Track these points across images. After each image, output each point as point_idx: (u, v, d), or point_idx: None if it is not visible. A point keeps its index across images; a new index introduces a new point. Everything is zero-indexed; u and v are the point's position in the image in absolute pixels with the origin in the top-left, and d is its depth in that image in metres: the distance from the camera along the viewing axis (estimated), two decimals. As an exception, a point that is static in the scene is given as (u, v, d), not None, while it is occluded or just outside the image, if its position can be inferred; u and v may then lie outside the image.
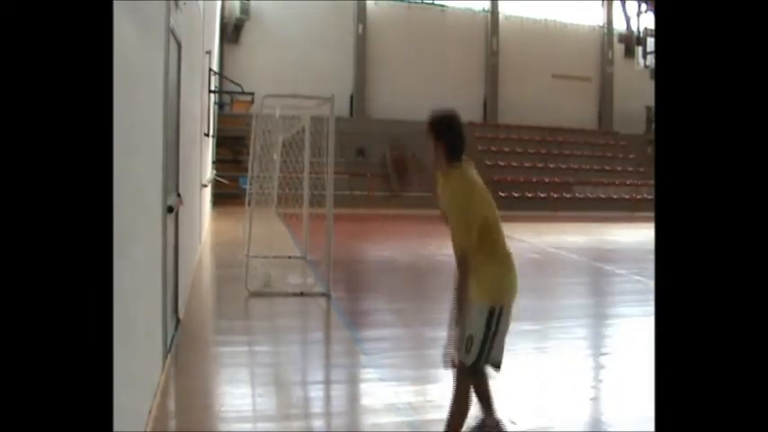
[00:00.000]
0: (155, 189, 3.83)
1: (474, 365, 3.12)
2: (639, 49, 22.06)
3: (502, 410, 3.95)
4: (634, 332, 6.15)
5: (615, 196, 23.48)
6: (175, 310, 5.31)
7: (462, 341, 3.09)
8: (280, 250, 9.06)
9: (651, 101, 22.20)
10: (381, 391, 4.36)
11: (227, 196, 16.36)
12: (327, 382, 4.73)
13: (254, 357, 5.34)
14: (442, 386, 4.60)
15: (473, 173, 3.19)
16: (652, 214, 1.64)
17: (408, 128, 23.17)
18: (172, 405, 4.10)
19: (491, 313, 3.06)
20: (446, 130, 3.16)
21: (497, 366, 3.23)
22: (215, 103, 14.34)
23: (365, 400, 4.36)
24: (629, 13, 23.59)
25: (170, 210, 4.40)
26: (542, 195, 22.65)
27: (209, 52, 11.19)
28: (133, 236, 2.97)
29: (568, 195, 23.07)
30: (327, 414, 4.16)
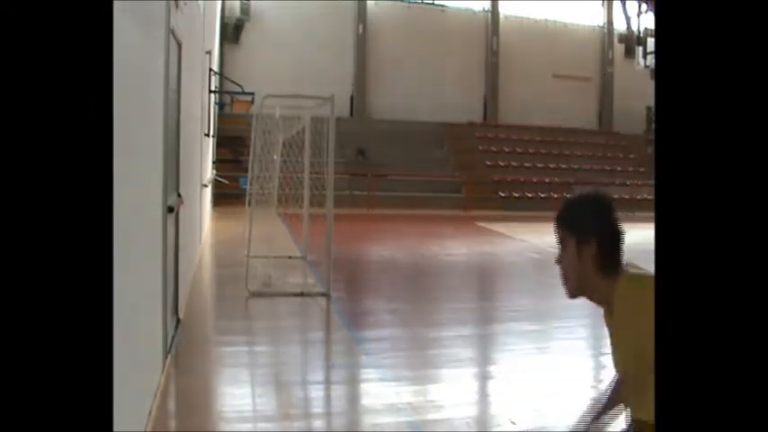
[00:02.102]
0: (155, 189, 3.83)
1: None
2: (639, 49, 22.06)
3: (502, 410, 3.96)
4: (634, 332, 6.14)
5: (615, 196, 23.23)
6: (175, 310, 5.31)
7: None
8: (280, 250, 9.07)
9: (651, 101, 22.19)
10: (381, 391, 4.36)
11: (227, 196, 16.36)
12: (327, 382, 4.73)
13: (254, 357, 5.34)
14: (443, 386, 4.62)
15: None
16: (652, 214, 1.63)
17: (408, 128, 23.39)
18: (172, 405, 4.10)
19: None
20: (596, 221, 1.87)
21: None
22: (215, 103, 14.33)
23: (365, 400, 4.36)
24: (629, 13, 23.59)
25: (170, 210, 4.40)
26: (542, 195, 22.64)
27: (209, 52, 11.19)
28: (133, 236, 2.97)
29: (568, 195, 23.06)
30: (327, 414, 4.16)
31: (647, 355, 1.56)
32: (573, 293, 1.91)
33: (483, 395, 4.59)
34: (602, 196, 1.94)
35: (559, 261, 1.89)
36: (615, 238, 1.86)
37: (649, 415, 1.61)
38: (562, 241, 1.88)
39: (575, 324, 6.57)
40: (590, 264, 1.82)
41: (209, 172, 12.54)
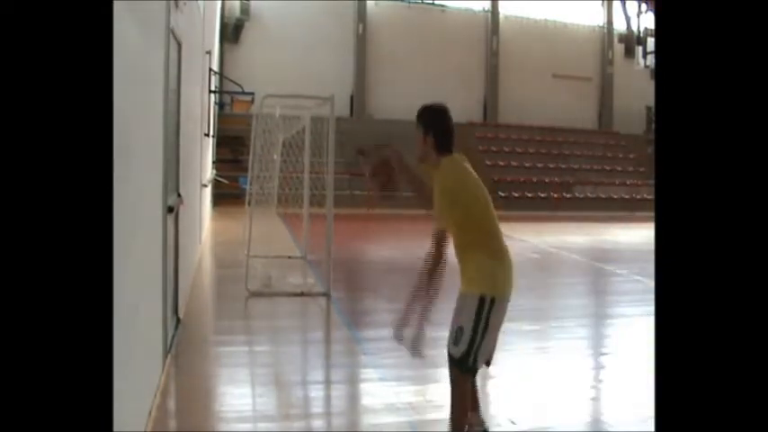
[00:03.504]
0: (155, 189, 3.83)
1: (463, 360, 3.03)
2: (639, 49, 22.07)
3: (502, 410, 3.95)
4: (634, 332, 6.15)
5: (615, 196, 23.48)
6: (175, 310, 5.31)
7: (451, 333, 3.05)
8: (280, 250, 9.06)
9: (651, 101, 22.20)
10: (381, 391, 4.36)
11: (227, 196, 16.36)
12: (327, 382, 4.73)
13: (254, 357, 5.34)
14: (443, 386, 4.61)
15: (467, 165, 3.21)
16: (652, 214, 1.64)
17: (408, 128, 23.33)
18: (172, 405, 4.10)
19: (481, 304, 2.99)
20: (433, 120, 3.18)
21: (488, 363, 3.18)
22: (215, 103, 14.34)
23: (365, 400, 4.36)
24: (629, 13, 23.61)
25: (170, 210, 4.40)
26: (542, 195, 22.65)
27: (209, 52, 11.19)
28: (133, 236, 2.97)
29: (568, 195, 23.08)
30: (327, 414, 4.16)
31: (443, 194, 3.02)
32: (419, 159, 3.20)
33: (483, 395, 4.58)
34: (441, 107, 3.26)
35: (416, 143, 3.17)
36: (446, 132, 3.19)
37: (442, 223, 2.97)
38: (418, 132, 3.16)
39: (574, 324, 6.57)
40: (429, 143, 3.14)
41: (209, 172, 12.54)
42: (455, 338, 3.03)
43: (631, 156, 25.97)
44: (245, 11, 22.91)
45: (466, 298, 3.05)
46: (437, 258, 2.96)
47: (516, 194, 22.24)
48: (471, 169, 3.22)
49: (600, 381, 4.94)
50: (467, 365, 3.05)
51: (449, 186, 3.04)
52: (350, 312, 6.79)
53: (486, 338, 3.01)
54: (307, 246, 9.37)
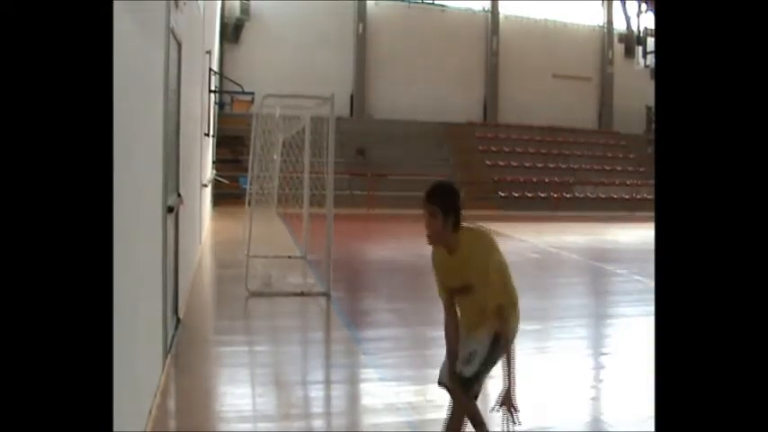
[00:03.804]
0: (155, 189, 3.83)
1: (470, 380, 3.16)
2: (639, 49, 22.06)
3: (502, 410, 3.94)
4: (634, 332, 6.15)
5: (615, 196, 23.47)
6: (175, 310, 5.31)
7: (464, 354, 3.16)
8: (280, 250, 9.07)
9: (651, 101, 22.19)
10: (381, 391, 4.36)
11: (227, 196, 16.35)
12: (327, 382, 4.73)
13: (254, 357, 5.34)
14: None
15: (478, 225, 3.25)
16: (652, 214, 1.64)
17: (408, 128, 23.38)
18: (172, 405, 4.10)
19: (497, 339, 3.10)
20: (452, 202, 3.08)
21: (476, 396, 3.31)
22: (215, 103, 14.34)
23: (365, 400, 4.36)
24: (629, 13, 23.59)
25: (170, 210, 4.40)
26: (542, 195, 22.63)
27: (209, 52, 11.19)
28: (133, 236, 2.97)
29: (568, 195, 23.07)
30: (327, 414, 4.16)
31: (489, 268, 3.01)
32: (433, 242, 3.14)
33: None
34: (453, 185, 3.21)
35: (429, 225, 3.06)
36: (459, 211, 3.06)
37: (497, 301, 3.01)
38: (432, 213, 3.04)
39: (574, 324, 6.57)
40: (448, 225, 3.03)
41: (209, 172, 12.54)
42: (468, 359, 3.15)
43: (631, 156, 25.95)
44: (245, 11, 22.90)
45: (481, 332, 3.15)
46: (507, 335, 3.07)
47: (516, 194, 22.24)
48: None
49: (600, 381, 4.94)
50: (471, 385, 3.19)
51: (499, 259, 3.08)
52: (350, 312, 6.79)
53: (490, 369, 3.19)
54: (307, 246, 9.37)
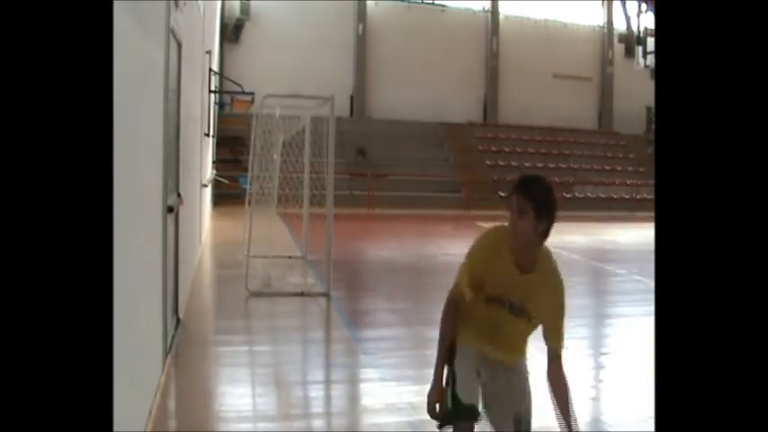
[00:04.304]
0: (155, 189, 3.83)
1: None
2: (639, 49, 22.05)
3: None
4: (634, 332, 6.15)
5: (615, 196, 23.47)
6: (175, 310, 5.31)
7: (468, 371, 2.62)
8: (280, 250, 9.06)
9: (651, 101, 22.18)
10: (381, 391, 4.36)
11: (227, 196, 16.34)
12: (327, 382, 4.73)
13: (254, 357, 5.34)
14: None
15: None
16: (652, 214, 1.64)
17: (408, 128, 23.37)
18: (172, 405, 4.10)
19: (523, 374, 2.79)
20: (549, 201, 2.38)
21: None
22: (215, 103, 14.33)
23: (365, 400, 4.36)
24: (629, 13, 23.59)
25: (170, 210, 4.40)
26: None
27: (209, 52, 11.19)
28: (133, 236, 2.97)
29: (568, 195, 23.05)
30: (327, 414, 4.16)
31: (559, 311, 2.55)
32: (519, 251, 2.42)
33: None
34: (548, 181, 2.50)
35: (515, 224, 2.35)
36: (553, 220, 2.39)
37: (560, 348, 2.59)
38: (522, 210, 2.33)
39: (574, 324, 6.56)
40: (539, 234, 2.36)
41: (209, 172, 12.53)
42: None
43: (631, 156, 25.95)
44: (245, 11, 22.89)
45: (516, 358, 2.77)
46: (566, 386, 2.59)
47: (516, 194, 22.21)
48: None
49: (600, 381, 4.94)
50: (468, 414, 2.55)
51: (561, 295, 2.60)
52: (350, 312, 6.79)
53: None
54: (307, 246, 9.37)
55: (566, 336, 2.60)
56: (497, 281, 2.50)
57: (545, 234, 2.39)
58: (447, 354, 2.55)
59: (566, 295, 2.56)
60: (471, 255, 2.58)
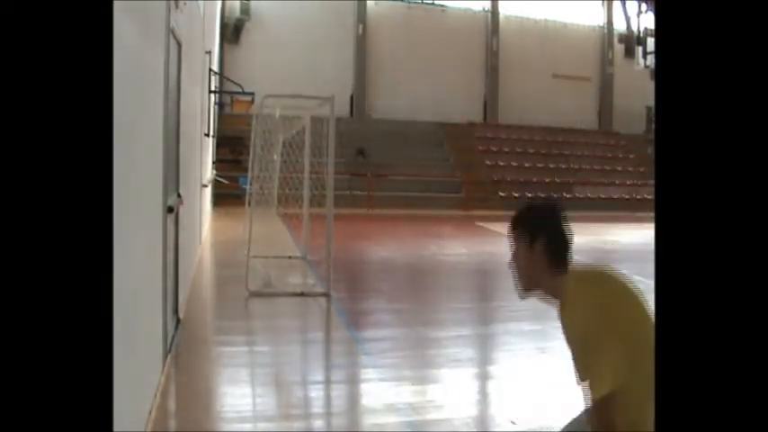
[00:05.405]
0: (155, 189, 3.83)
1: None
2: (639, 49, 22.05)
3: (502, 410, 3.95)
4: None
5: (615, 196, 23.48)
6: (175, 310, 5.31)
7: None
8: (280, 250, 9.07)
9: (651, 101, 22.18)
10: (381, 391, 4.36)
11: (227, 196, 16.35)
12: (327, 382, 4.73)
13: (254, 357, 5.34)
14: (442, 386, 4.61)
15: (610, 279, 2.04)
16: (652, 214, 1.64)
17: (408, 128, 23.39)
18: (172, 405, 4.10)
19: None
20: (544, 222, 2.05)
21: None
22: (215, 103, 14.34)
23: (365, 400, 4.36)
24: (629, 13, 23.58)
25: (170, 210, 4.40)
26: (542, 195, 22.63)
27: (209, 52, 11.19)
28: (133, 236, 2.97)
29: (568, 195, 23.07)
30: (327, 414, 4.16)
31: (593, 336, 1.88)
32: (524, 290, 2.08)
33: (483, 395, 4.59)
34: (553, 203, 2.15)
35: (512, 262, 2.06)
36: (563, 239, 2.01)
37: (599, 392, 1.84)
38: (516, 242, 2.04)
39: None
40: (541, 262, 1.99)
41: (209, 172, 12.54)
42: None
43: (631, 156, 25.96)
44: (245, 11, 22.90)
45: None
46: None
47: (516, 194, 22.24)
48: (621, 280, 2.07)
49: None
50: None
51: (617, 316, 1.95)
52: (350, 312, 6.79)
53: None
54: (307, 246, 9.37)
55: (599, 371, 1.89)
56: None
57: (549, 258, 2.00)
58: None
59: (610, 307, 1.94)
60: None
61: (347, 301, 7.42)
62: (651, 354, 1.53)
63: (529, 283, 2.07)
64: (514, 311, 7.02)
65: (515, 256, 2.06)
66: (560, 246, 2.02)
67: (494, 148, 24.27)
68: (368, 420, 3.95)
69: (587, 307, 1.94)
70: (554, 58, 26.66)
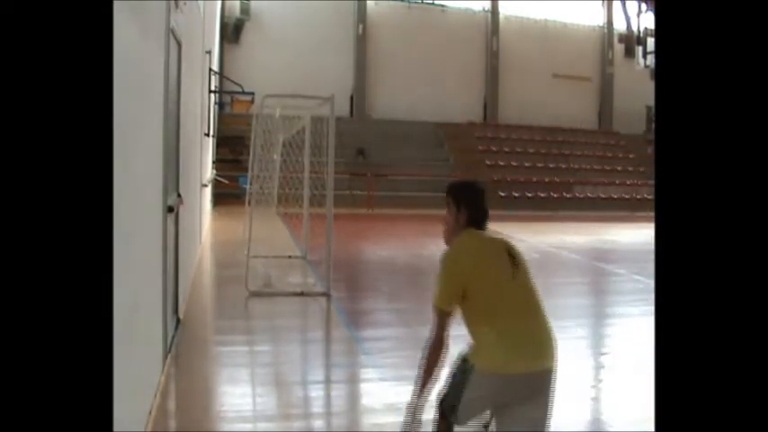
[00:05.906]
0: (155, 189, 3.83)
1: (442, 402, 2.97)
2: (639, 49, 22.05)
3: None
4: (634, 332, 6.15)
5: (615, 196, 23.48)
6: (175, 310, 5.31)
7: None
8: (280, 250, 9.07)
9: (651, 101, 22.19)
10: (381, 391, 4.36)
11: (227, 196, 16.36)
12: (327, 382, 4.73)
13: (254, 357, 5.34)
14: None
15: (480, 237, 2.81)
16: (652, 214, 1.64)
17: (408, 128, 23.37)
18: (172, 405, 4.10)
19: (464, 363, 2.89)
20: (466, 194, 2.84)
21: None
22: (215, 103, 14.34)
23: (365, 400, 4.36)
24: (629, 13, 23.58)
25: (170, 210, 4.40)
26: (542, 195, 22.65)
27: (209, 52, 11.19)
28: (133, 236, 2.97)
29: (568, 195, 23.07)
30: (327, 414, 4.16)
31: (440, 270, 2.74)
32: (446, 242, 2.86)
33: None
34: (478, 184, 2.94)
35: (445, 218, 2.85)
36: (478, 211, 2.80)
37: (433, 303, 2.82)
38: (448, 205, 2.84)
39: (574, 324, 6.56)
40: (460, 222, 2.79)
41: (209, 172, 12.54)
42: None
43: (631, 156, 25.97)
44: (245, 11, 22.91)
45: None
46: (437, 347, 2.93)
47: (516, 194, 22.24)
48: (488, 238, 2.83)
49: (600, 381, 4.93)
50: (442, 410, 2.99)
51: (444, 260, 2.79)
52: (350, 312, 6.79)
53: (465, 404, 2.87)
54: (307, 246, 9.37)
55: (440, 296, 2.79)
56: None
57: (465, 221, 2.78)
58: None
59: (444, 265, 2.76)
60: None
61: (347, 300, 7.42)
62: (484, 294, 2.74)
63: (449, 237, 2.84)
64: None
65: (446, 215, 2.83)
66: (476, 215, 2.78)
67: (494, 148, 24.27)
68: (368, 420, 3.95)
69: (448, 252, 2.76)
70: (554, 59, 26.67)
